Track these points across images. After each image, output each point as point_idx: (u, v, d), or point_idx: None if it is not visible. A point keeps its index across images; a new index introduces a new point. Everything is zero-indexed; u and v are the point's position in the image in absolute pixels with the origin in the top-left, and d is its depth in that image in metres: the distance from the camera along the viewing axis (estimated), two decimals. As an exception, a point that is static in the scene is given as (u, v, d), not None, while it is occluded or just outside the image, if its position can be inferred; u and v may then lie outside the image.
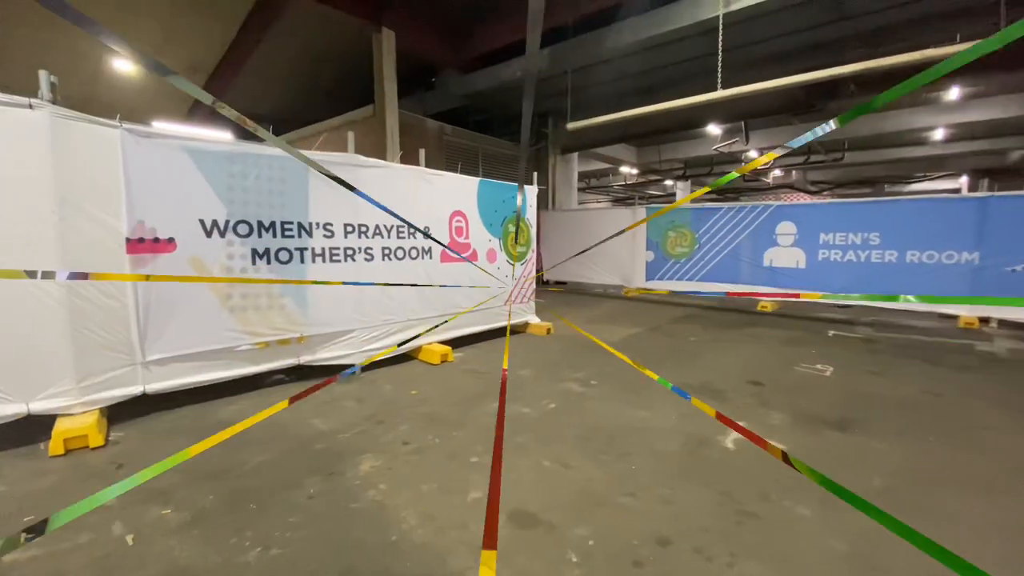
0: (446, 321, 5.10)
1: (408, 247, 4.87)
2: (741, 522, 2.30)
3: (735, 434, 3.28)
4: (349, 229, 4.42)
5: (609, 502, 2.48)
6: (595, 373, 4.67)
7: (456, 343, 5.53)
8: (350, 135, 4.60)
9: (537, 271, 12.66)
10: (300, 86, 11.40)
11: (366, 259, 4.54)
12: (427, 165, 5.22)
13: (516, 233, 6.16)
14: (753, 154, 16.69)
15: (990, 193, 6.87)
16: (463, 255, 5.42)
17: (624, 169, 19.10)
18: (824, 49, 8.07)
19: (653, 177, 19.84)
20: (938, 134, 13.38)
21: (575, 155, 13.16)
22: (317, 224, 4.25)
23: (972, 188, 19.95)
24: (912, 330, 6.83)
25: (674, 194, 22.13)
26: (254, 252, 4.00)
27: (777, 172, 20.54)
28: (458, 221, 5.35)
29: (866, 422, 3.50)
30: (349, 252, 4.43)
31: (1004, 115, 11.06)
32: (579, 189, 22.93)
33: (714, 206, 9.42)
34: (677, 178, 19.19)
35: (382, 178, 4.66)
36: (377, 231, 4.61)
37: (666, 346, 5.85)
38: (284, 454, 3.03)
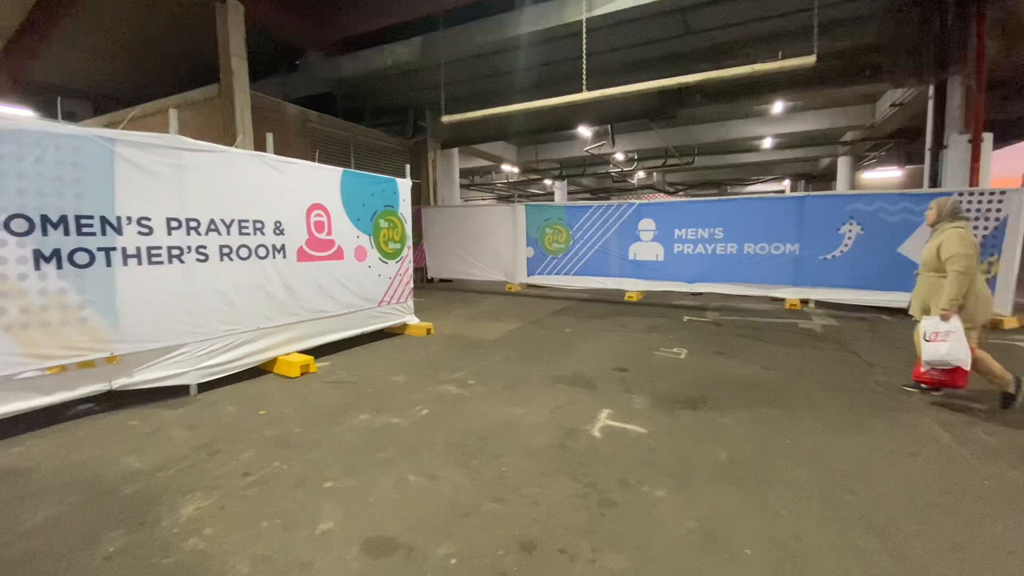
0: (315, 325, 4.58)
1: (254, 245, 4.26)
2: (603, 514, 2.30)
3: (602, 422, 3.36)
4: (174, 224, 3.72)
5: (477, 511, 2.33)
6: (474, 372, 4.54)
7: (322, 351, 5.02)
8: (172, 112, 3.88)
9: (418, 267, 12.31)
10: (135, 60, 9.65)
11: (199, 259, 3.87)
12: (289, 155, 4.65)
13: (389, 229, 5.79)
14: (619, 156, 17.99)
15: (806, 193, 8.09)
16: (326, 253, 4.92)
17: (506, 167, 19.42)
18: (676, 61, 8.85)
19: (533, 176, 20.45)
20: (767, 143, 15.62)
21: (455, 151, 12.98)
22: (128, 219, 3.50)
23: (793, 189, 23.77)
24: (750, 312, 7.79)
25: (552, 193, 23.05)
26: (37, 254, 3.17)
27: (641, 174, 22.44)
28: (318, 215, 4.83)
29: (714, 400, 3.82)
30: (175, 252, 3.73)
31: (816, 127, 13.25)
32: (463, 186, 22.84)
33: (585, 204, 9.88)
34: (555, 177, 20.00)
35: (215, 165, 4.00)
36: (212, 226, 3.96)
37: (544, 339, 5.93)
38: (80, 505, 2.41)
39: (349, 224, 5.20)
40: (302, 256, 4.68)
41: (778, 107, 11.60)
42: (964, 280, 3.47)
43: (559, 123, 11.35)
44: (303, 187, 4.72)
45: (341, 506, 2.37)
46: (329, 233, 4.96)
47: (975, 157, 7.30)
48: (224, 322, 4.07)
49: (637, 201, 9.43)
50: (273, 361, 4.45)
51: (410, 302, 6.15)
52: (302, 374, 4.38)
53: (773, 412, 3.58)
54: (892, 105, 10.33)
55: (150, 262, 3.60)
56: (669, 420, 3.42)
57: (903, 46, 7.63)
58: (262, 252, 4.32)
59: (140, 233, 3.56)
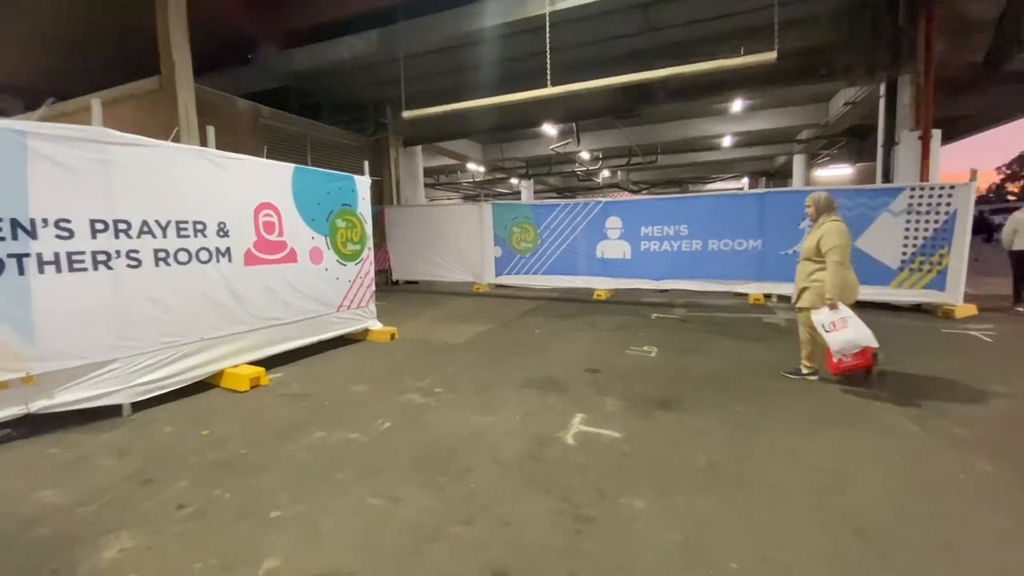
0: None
1: (195, 248, 3.90)
2: (580, 531, 2.13)
3: (576, 428, 3.21)
4: (99, 227, 3.34)
5: (443, 535, 2.12)
6: (441, 378, 4.31)
7: (276, 361, 4.67)
8: (94, 103, 3.49)
9: (382, 269, 11.92)
10: (72, 53, 8.92)
11: (130, 265, 3.49)
12: (240, 152, 4.29)
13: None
14: (585, 155, 18.04)
15: (767, 190, 8.21)
16: (277, 255, 4.59)
17: (472, 166, 19.17)
18: (640, 58, 8.83)
19: (499, 175, 20.27)
20: (727, 141, 15.97)
21: (419, 149, 12.65)
22: (44, 221, 3.11)
23: (752, 187, 24.48)
24: (715, 308, 7.85)
25: (519, 192, 22.94)
26: (-70, 262, 2.76)
27: (606, 173, 22.62)
28: (267, 215, 4.49)
29: (688, 399, 3.73)
30: (101, 258, 3.34)
31: (773, 126, 13.59)
32: (429, 185, 22.44)
33: (552, 202, 9.78)
34: (521, 176, 19.89)
35: (148, 161, 3.63)
36: (146, 228, 3.59)
37: (513, 341, 5.75)
38: (-26, 554, 2.07)
39: (302, 224, 4.87)
40: (250, 259, 4.33)
41: (737, 106, 11.82)
42: (842, 270, 3.76)
43: (524, 121, 11.21)
44: (250, 185, 4.37)
45: (290, 538, 2.12)
46: (280, 234, 4.62)
47: (925, 153, 7.58)
48: (162, 333, 3.70)
49: (603, 199, 9.38)
50: (220, 374, 4.10)
51: (372, 306, 5.86)
52: (252, 387, 4.05)
53: (747, 410, 3.51)
54: (845, 104, 10.69)
55: (71, 269, 3.21)
56: (644, 423, 3.30)
57: (856, 45, 7.85)
58: (204, 256, 3.96)
59: (59, 237, 3.17)
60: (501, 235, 10.22)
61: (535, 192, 22.78)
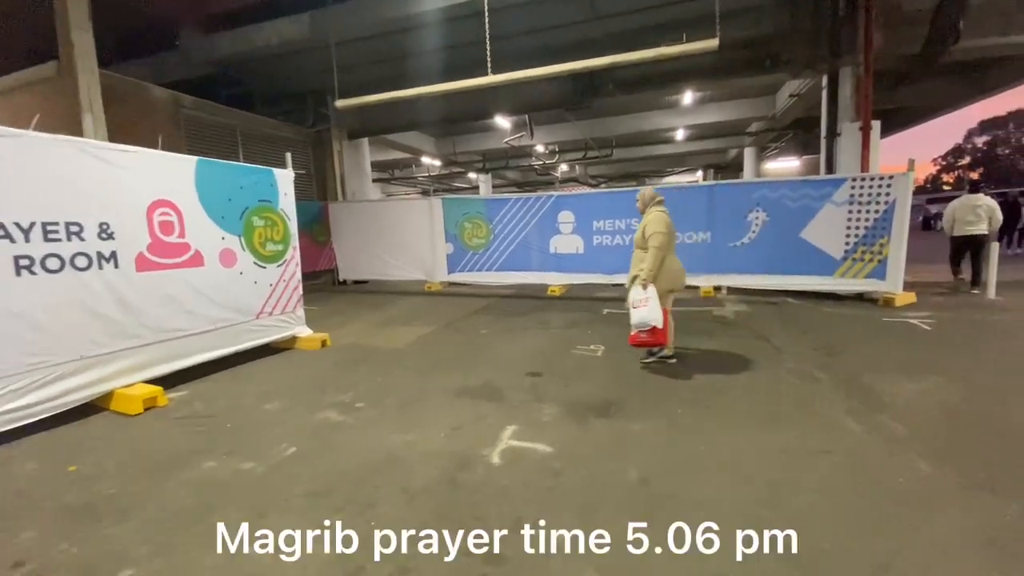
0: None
1: (69, 253, 3.37)
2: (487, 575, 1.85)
3: (505, 443, 2.93)
4: (-67, 231, 2.80)
5: (327, 591, 1.79)
6: (367, 391, 3.94)
7: (182, 378, 4.18)
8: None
9: (328, 269, 11.33)
10: None
11: (-22, 276, 2.97)
12: (161, 145, 3.78)
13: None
14: (541, 148, 17.83)
15: (716, 182, 8.17)
16: (178, 259, 4.09)
17: (427, 160, 18.63)
18: (587, 48, 8.56)
19: (456, 169, 19.81)
20: (679, 134, 16.08)
21: (365, 141, 12.07)
22: None
23: (706, 179, 24.93)
24: (668, 302, 7.76)
25: (478, 187, 22.55)
26: None
27: (564, 167, 22.52)
28: (165, 214, 3.98)
29: (628, 402, 3.52)
30: (-65, 267, 2.81)
31: (723, 118, 13.72)
32: (383, 180, 21.75)
33: (504, 196, 9.49)
34: (478, 170, 19.50)
35: (11, 153, 3.10)
36: (2, 232, 3.06)
37: (457, 343, 5.43)
38: None
39: (210, 223, 4.38)
40: (143, 264, 3.82)
41: (688, 98, 11.83)
42: (660, 254, 4.02)
43: (474, 112, 10.85)
44: (142, 180, 3.85)
45: (134, 608, 1.74)
46: (182, 235, 4.12)
47: (865, 144, 7.69)
48: (28, 354, 3.18)
49: (556, 193, 9.15)
50: (109, 396, 3.60)
51: (300, 311, 5.40)
52: (147, 410, 3.57)
53: (687, 413, 3.33)
54: (790, 96, 10.84)
55: None
56: (578, 433, 3.05)
57: (799, 37, 7.88)
58: (81, 262, 3.44)
59: None
60: (452, 231, 9.84)
61: (494, 187, 22.44)
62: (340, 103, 7.53)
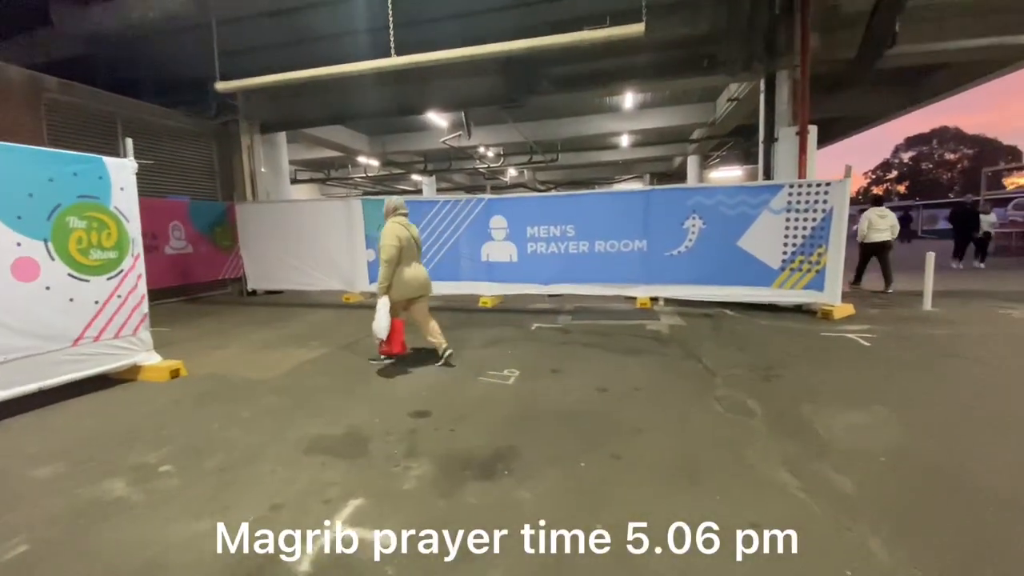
0: None
1: None
2: None
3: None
4: None
5: None
6: (187, 447, 3.01)
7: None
8: None
9: (236, 278, 10.10)
10: None
11: None
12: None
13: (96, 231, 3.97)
14: (489, 152, 17.15)
15: (651, 187, 7.68)
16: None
17: (363, 160, 17.53)
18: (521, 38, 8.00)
19: (396, 170, 18.78)
20: (623, 140, 15.80)
21: (282, 136, 10.95)
22: None
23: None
24: (602, 314, 7.19)
25: (421, 190, 21.59)
26: None
27: (512, 172, 21.96)
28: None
29: (522, 453, 2.79)
30: None
31: (666, 124, 13.47)
32: (318, 180, 20.40)
33: (431, 199, 8.68)
34: (420, 172, 18.56)
35: None
36: None
37: (343, 372, 4.56)
38: None
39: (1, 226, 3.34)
40: None
41: (629, 102, 11.48)
42: (388, 266, 4.16)
43: (403, 106, 9.98)
44: None
45: None
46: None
47: (802, 149, 7.41)
48: None
49: (487, 196, 8.43)
50: None
51: (145, 334, 4.35)
52: None
53: (591, 464, 2.64)
54: (729, 100, 10.64)
55: None
56: (443, 511, 2.28)
57: (735, 36, 7.55)
58: None
59: None
60: (374, 235, 8.91)
61: (439, 190, 21.54)
62: (220, 85, 6.52)
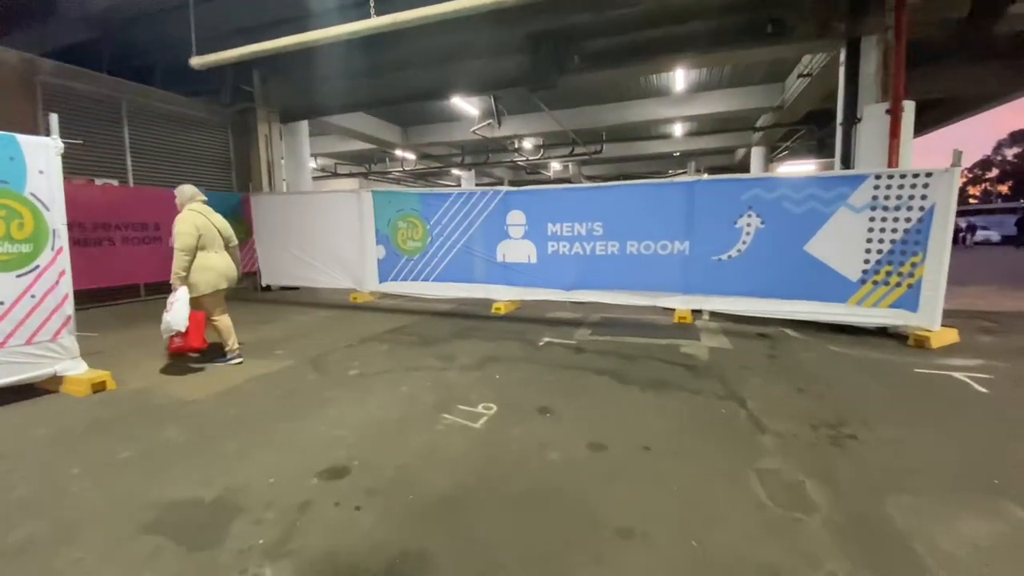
0: None
1: None
2: None
3: None
4: None
5: None
6: (12, 502, 2.29)
7: None
8: None
9: (250, 272, 9.73)
10: None
11: None
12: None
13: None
14: (528, 145, 16.15)
15: (696, 177, 6.40)
16: None
17: (400, 153, 17.06)
18: (548, 10, 6.95)
19: (434, 164, 18.19)
20: (677, 129, 14.27)
21: (304, 125, 10.49)
22: None
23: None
24: (630, 328, 6.06)
25: (460, 184, 20.95)
26: None
27: (556, 166, 20.83)
28: None
29: (439, 567, 1.82)
30: None
31: (725, 108, 11.88)
32: (361, 175, 20.21)
33: (444, 191, 7.81)
34: (457, 165, 17.84)
35: None
36: None
37: (280, 396, 3.74)
38: None
39: None
40: None
41: (680, 83, 10.08)
42: (183, 256, 4.02)
43: (424, 90, 9.20)
44: None
45: None
46: None
47: (895, 131, 5.92)
48: None
49: (504, 188, 7.46)
50: None
51: (68, 340, 3.75)
52: None
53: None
54: (800, 76, 9.01)
55: None
56: None
57: (808, -7, 6.13)
58: None
59: None
60: (384, 231, 8.19)
61: (478, 186, 20.80)
62: (195, 60, 5.95)
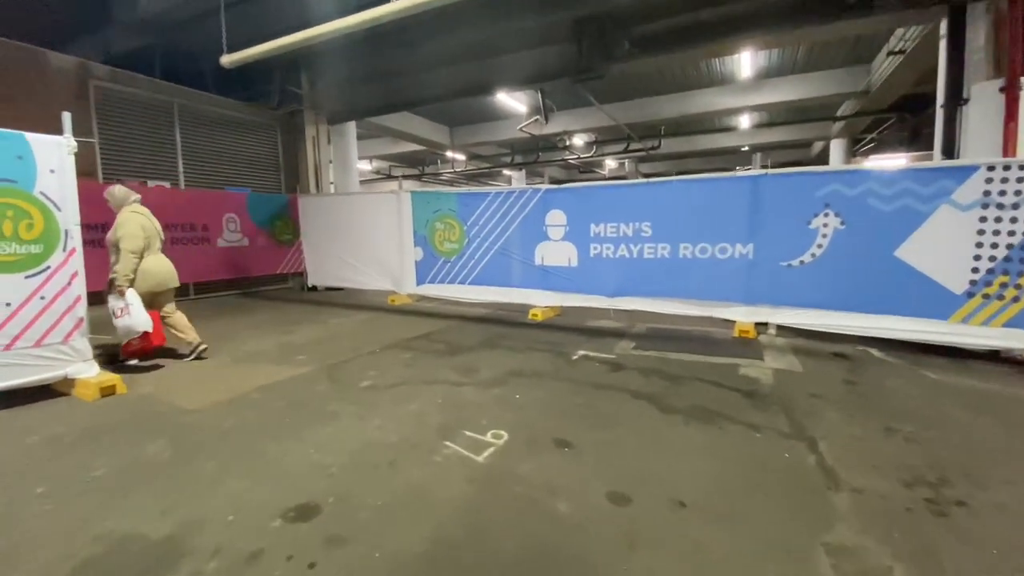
0: None
1: None
2: None
3: None
4: None
5: None
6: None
7: None
8: None
9: (298, 272, 9.88)
10: None
11: None
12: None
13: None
14: (578, 142, 15.53)
15: (762, 171, 5.61)
16: None
17: (450, 154, 16.99)
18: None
19: (483, 165, 17.98)
20: (744, 120, 13.13)
21: (352, 127, 10.54)
22: None
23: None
24: (681, 341, 5.40)
25: (511, 183, 20.62)
26: None
27: (611, 163, 20.02)
28: None
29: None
30: None
31: (798, 96, 10.70)
32: (412, 176, 20.42)
33: (481, 190, 7.45)
34: (507, 165, 17.51)
35: None
36: None
37: (284, 409, 3.49)
38: None
39: None
40: None
41: (747, 68, 9.12)
42: (132, 258, 4.05)
43: (468, 87, 8.92)
44: None
45: None
46: None
47: (1011, 114, 4.88)
48: None
49: (543, 186, 6.99)
50: None
51: (80, 342, 3.71)
52: None
53: None
54: (890, 54, 7.81)
55: None
56: None
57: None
58: None
59: None
60: (422, 232, 7.97)
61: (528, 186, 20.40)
62: (225, 59, 5.91)
